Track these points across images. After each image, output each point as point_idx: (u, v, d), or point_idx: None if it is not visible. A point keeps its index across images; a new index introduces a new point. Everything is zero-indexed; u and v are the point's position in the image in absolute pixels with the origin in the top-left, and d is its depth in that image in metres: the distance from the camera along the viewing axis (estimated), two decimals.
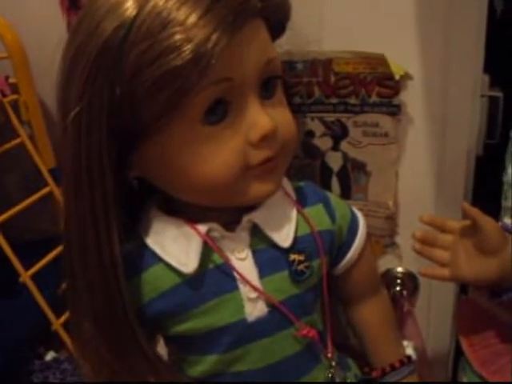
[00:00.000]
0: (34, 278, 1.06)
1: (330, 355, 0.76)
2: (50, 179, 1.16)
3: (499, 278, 0.66)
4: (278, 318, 0.69)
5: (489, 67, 0.77)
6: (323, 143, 0.84)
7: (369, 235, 0.84)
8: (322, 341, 0.75)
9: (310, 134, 0.84)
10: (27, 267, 1.06)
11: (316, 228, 0.73)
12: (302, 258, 0.71)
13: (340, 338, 0.90)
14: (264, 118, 0.59)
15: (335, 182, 0.86)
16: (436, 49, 0.74)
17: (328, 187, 0.86)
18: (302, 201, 0.74)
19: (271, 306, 0.68)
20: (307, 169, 0.86)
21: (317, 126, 0.83)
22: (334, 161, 0.85)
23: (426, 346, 0.95)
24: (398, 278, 0.91)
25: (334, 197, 0.79)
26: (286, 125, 0.63)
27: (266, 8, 0.60)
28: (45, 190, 1.15)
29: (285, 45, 0.71)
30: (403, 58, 0.75)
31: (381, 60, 0.75)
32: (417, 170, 0.82)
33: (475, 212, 0.66)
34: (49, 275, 1.06)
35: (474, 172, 0.83)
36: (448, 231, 0.71)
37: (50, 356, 1.20)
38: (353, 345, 0.91)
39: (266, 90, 0.62)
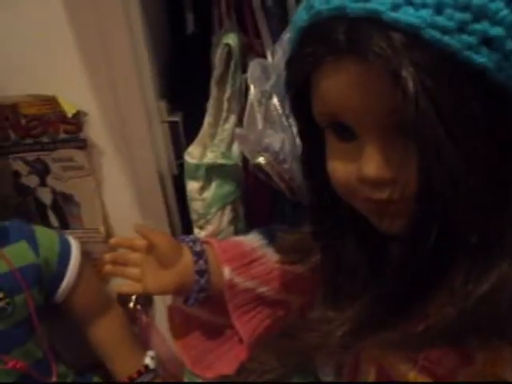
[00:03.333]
0: None
1: (54, 379, 0.81)
2: None
3: (179, 286, 0.72)
4: None
5: (168, 93, 0.84)
6: (31, 181, 0.88)
7: (89, 259, 0.90)
8: (44, 368, 0.79)
9: (17, 174, 0.88)
10: None
11: (16, 265, 0.77)
12: (1, 295, 0.75)
13: (89, 357, 0.95)
14: None
15: (51, 215, 0.91)
16: (107, 84, 0.80)
17: (45, 221, 0.91)
18: (1, 240, 0.78)
19: None
20: (22, 207, 0.90)
21: (21, 166, 0.87)
22: (45, 196, 0.90)
23: (172, 350, 1.01)
24: (131, 295, 0.97)
25: (41, 230, 0.83)
26: None
27: None
28: None
29: None
30: (78, 96, 0.81)
31: (55, 101, 0.80)
32: (118, 195, 0.88)
33: (146, 230, 0.71)
34: None
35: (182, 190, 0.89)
36: (136, 250, 0.76)
37: None
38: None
39: None
